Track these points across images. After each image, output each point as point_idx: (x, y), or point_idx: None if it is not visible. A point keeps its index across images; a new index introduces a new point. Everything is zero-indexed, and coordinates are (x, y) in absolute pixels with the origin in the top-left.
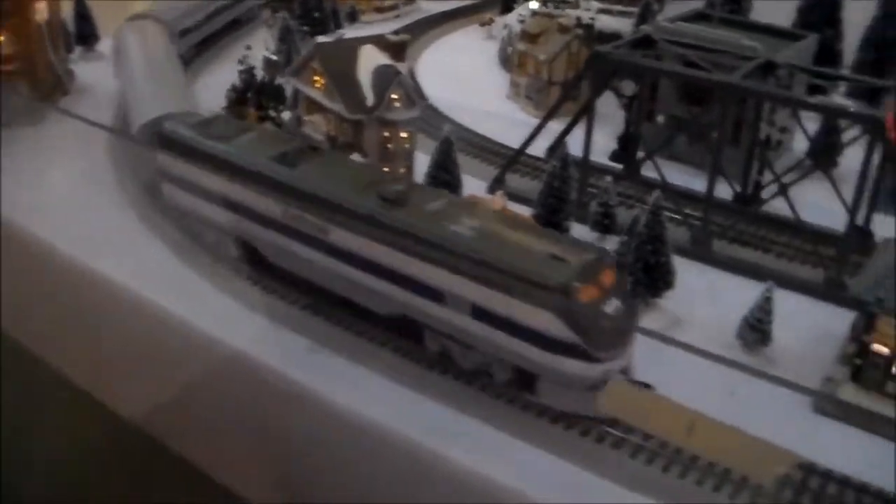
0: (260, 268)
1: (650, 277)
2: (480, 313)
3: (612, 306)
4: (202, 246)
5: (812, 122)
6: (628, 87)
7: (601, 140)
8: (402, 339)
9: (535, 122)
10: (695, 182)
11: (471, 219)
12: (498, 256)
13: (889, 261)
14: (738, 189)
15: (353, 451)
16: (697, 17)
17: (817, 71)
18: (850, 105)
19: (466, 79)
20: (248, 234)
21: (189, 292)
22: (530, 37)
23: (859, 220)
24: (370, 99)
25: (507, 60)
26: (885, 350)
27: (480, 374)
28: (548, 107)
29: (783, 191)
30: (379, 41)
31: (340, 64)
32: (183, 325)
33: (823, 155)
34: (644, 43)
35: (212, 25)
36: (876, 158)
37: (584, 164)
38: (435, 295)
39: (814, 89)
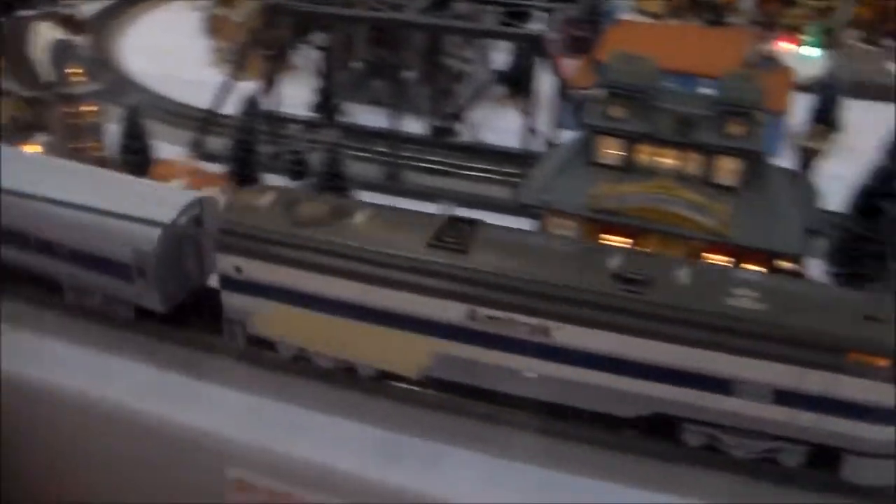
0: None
1: None
2: (786, 396)
3: None
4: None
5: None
6: (320, 38)
7: (304, 93)
8: (649, 439)
9: (238, 85)
10: (393, 123)
11: (737, 286)
12: (808, 329)
13: (552, 165)
14: (432, 123)
15: None
16: None
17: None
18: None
19: (172, 50)
20: None
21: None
22: (226, 0)
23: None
24: (48, 75)
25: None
26: None
27: (758, 461)
28: (251, 69)
29: (457, 118)
30: (54, 16)
31: (15, 41)
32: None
33: (515, 82)
34: None
35: None
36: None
37: (270, 114)
38: (715, 385)
39: (515, 18)
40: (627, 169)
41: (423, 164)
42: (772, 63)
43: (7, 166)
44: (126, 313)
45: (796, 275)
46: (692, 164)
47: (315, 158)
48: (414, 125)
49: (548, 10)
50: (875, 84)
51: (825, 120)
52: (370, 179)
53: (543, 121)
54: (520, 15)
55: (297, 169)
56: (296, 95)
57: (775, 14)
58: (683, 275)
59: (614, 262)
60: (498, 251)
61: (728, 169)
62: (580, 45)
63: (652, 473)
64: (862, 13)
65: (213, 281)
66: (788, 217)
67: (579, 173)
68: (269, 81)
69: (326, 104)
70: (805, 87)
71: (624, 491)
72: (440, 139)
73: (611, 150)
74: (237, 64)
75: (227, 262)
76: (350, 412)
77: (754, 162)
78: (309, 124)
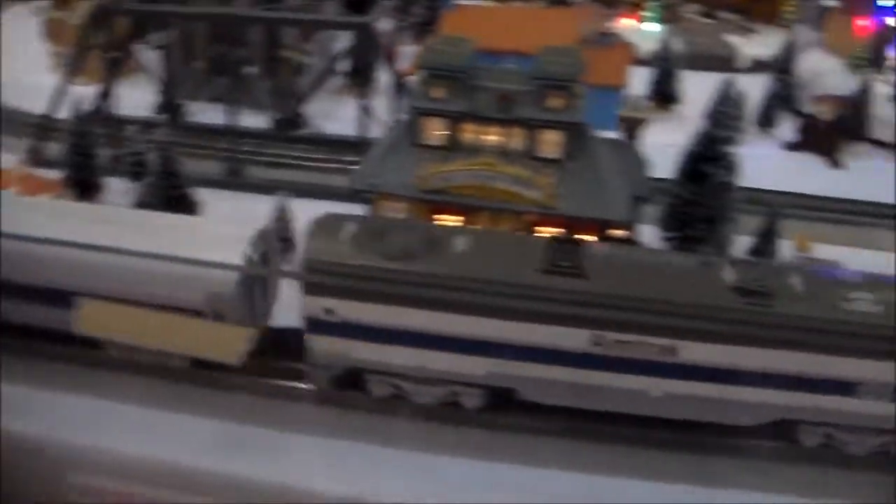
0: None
1: (173, 209)
2: None
3: None
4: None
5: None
6: (159, 38)
7: (147, 94)
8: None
9: (78, 89)
10: (242, 119)
11: (850, 290)
12: None
13: (381, 150)
14: (275, 117)
15: None
16: None
17: None
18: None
19: (10, 56)
20: (505, 379)
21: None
22: (61, 2)
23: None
24: None
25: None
26: None
27: (872, 455)
28: (91, 72)
29: (298, 110)
30: None
31: None
32: None
33: (355, 72)
34: None
35: None
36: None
37: (105, 116)
38: (839, 388)
39: (355, 8)
40: (453, 148)
41: (266, 158)
42: (610, 39)
43: (25, 216)
44: (182, 363)
45: (627, 241)
46: (515, 139)
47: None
48: (257, 120)
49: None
50: (713, 55)
51: (662, 92)
52: (212, 176)
53: (383, 108)
54: (361, 4)
55: (136, 171)
56: (139, 97)
57: None
58: (797, 282)
59: (729, 275)
60: (614, 273)
61: (551, 142)
62: (420, 32)
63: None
64: None
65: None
66: (614, 186)
67: (406, 156)
68: (108, 84)
69: (169, 104)
70: (646, 61)
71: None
72: (282, 132)
73: (435, 131)
74: (73, 67)
75: (317, 305)
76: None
77: (577, 134)
78: (147, 124)
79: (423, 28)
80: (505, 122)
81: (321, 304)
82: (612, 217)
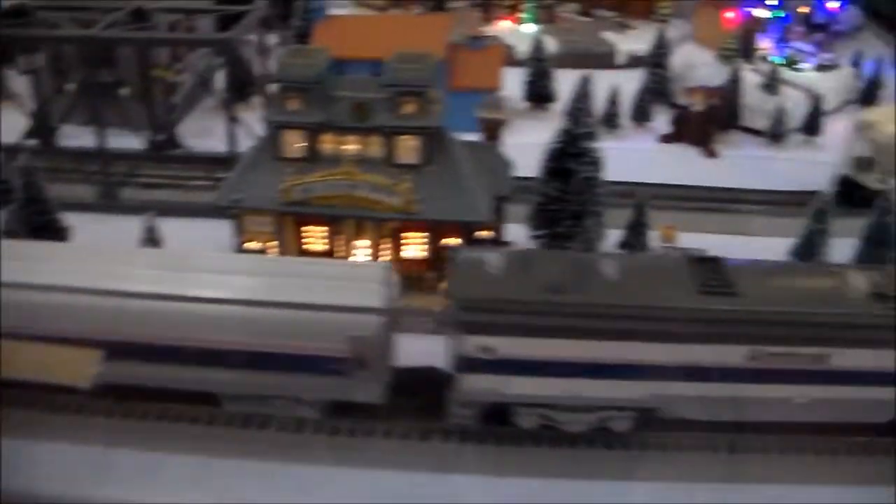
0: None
1: (39, 237)
2: None
3: None
4: None
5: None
6: (27, 62)
7: (19, 120)
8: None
9: None
10: (117, 141)
11: None
12: None
13: (243, 165)
14: (149, 137)
15: None
16: None
17: (182, 8)
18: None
19: None
20: (659, 399)
21: None
22: None
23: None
24: None
25: None
26: (257, 246)
27: None
28: None
29: (173, 130)
30: None
31: None
32: None
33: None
34: (19, 13)
35: None
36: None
37: None
38: None
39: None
40: (313, 159)
41: (141, 179)
42: (483, 42)
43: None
44: (311, 413)
45: (493, 242)
46: (374, 147)
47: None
48: (132, 141)
49: (242, 14)
50: (592, 53)
51: (537, 91)
52: (86, 199)
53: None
54: (231, 20)
55: (4, 198)
56: (11, 122)
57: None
58: None
59: (862, 282)
60: (761, 288)
61: (408, 148)
62: (301, 44)
63: None
64: None
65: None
66: (474, 188)
67: (268, 169)
68: None
69: (41, 128)
70: (524, 62)
71: None
72: (155, 152)
73: (293, 143)
74: None
75: (473, 343)
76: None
77: (434, 139)
78: (16, 150)
79: (303, 40)
80: (362, 131)
81: (478, 343)
82: (472, 219)
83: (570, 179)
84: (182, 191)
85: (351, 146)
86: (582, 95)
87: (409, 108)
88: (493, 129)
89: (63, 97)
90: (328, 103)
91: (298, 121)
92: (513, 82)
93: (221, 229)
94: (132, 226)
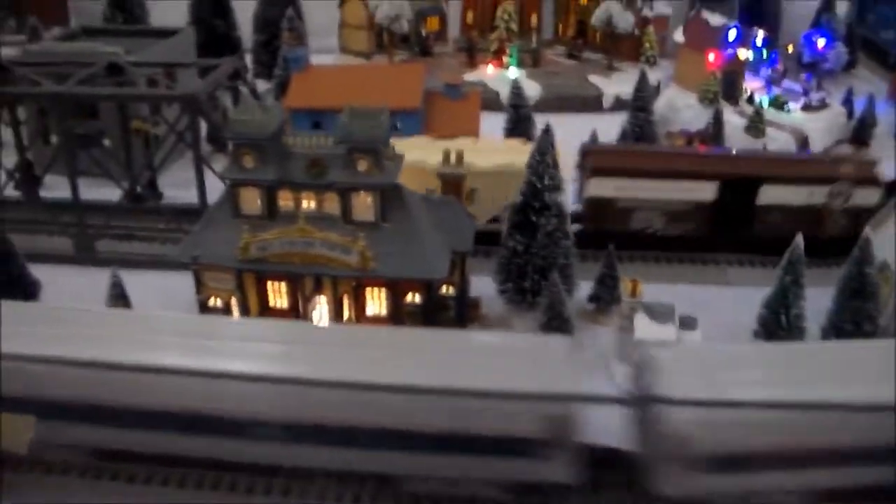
0: None
1: (8, 292)
2: None
3: None
4: None
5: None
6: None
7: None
8: None
9: None
10: (99, 192)
11: None
12: None
13: (205, 221)
14: (128, 189)
15: None
16: (83, 32)
17: (157, 63)
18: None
19: None
20: None
21: None
22: None
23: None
24: None
25: None
26: (219, 303)
27: None
28: None
29: (152, 181)
30: None
31: None
32: None
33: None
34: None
35: None
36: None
37: None
38: None
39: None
40: (271, 216)
41: (117, 231)
42: (459, 90)
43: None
44: (499, 494)
45: (457, 299)
46: (330, 204)
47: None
48: (111, 192)
49: (212, 67)
50: (578, 96)
51: (520, 136)
52: (62, 252)
53: None
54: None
55: None
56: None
57: (478, 40)
58: None
59: None
60: None
61: (364, 205)
62: (283, 94)
63: None
64: (562, 30)
65: None
66: (431, 244)
67: (227, 226)
68: None
69: (22, 180)
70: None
71: None
72: (133, 204)
73: (250, 201)
74: None
75: None
76: None
77: (390, 196)
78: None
79: (285, 90)
80: (318, 188)
81: None
82: (429, 276)
83: (536, 233)
84: (157, 243)
85: (308, 202)
86: (544, 148)
87: (364, 164)
88: (453, 186)
89: (50, 148)
90: (285, 159)
91: (254, 178)
92: (495, 128)
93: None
94: (106, 279)
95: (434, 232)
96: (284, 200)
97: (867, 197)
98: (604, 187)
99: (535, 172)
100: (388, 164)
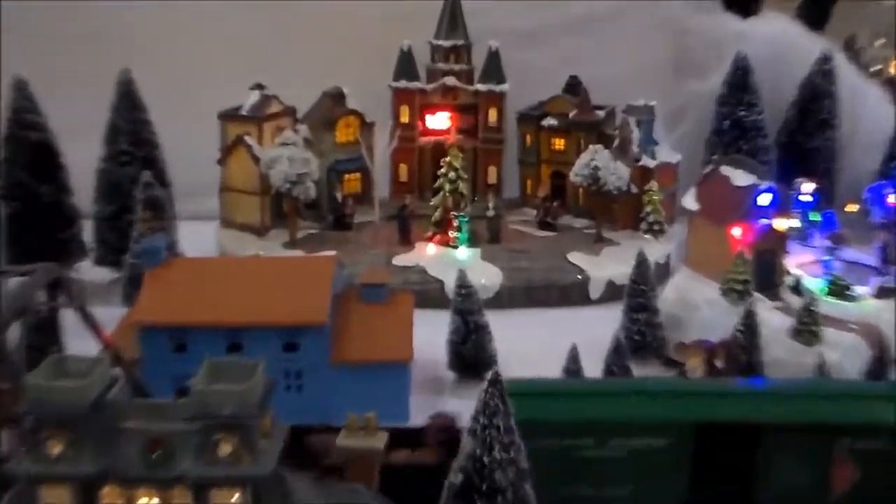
0: None
1: None
2: None
3: None
4: None
5: None
6: None
7: None
8: None
9: None
10: None
11: None
12: None
13: None
14: None
15: None
16: None
17: None
18: None
19: None
20: None
21: None
22: None
23: None
24: None
25: None
26: None
27: None
28: None
29: None
30: None
31: None
32: None
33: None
34: None
35: None
36: None
37: None
38: None
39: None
40: None
41: None
42: (383, 292)
43: None
44: None
45: None
46: (180, 501)
47: None
48: None
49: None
50: (555, 286)
51: (467, 356)
52: None
53: None
54: None
55: None
56: None
57: (414, 205)
58: None
59: None
60: None
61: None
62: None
63: None
64: (531, 187)
65: None
66: None
67: None
68: None
69: None
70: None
71: None
72: None
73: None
74: None
75: None
76: None
77: (265, 490)
78: None
79: (137, 290)
80: (160, 483)
81: None
82: None
83: None
84: None
85: (149, 500)
86: (494, 402)
87: (228, 447)
88: (362, 465)
89: None
90: (111, 442)
91: (63, 471)
92: (436, 337)
93: None
94: None
95: None
96: (111, 499)
97: None
98: None
99: (483, 443)
100: (264, 445)
